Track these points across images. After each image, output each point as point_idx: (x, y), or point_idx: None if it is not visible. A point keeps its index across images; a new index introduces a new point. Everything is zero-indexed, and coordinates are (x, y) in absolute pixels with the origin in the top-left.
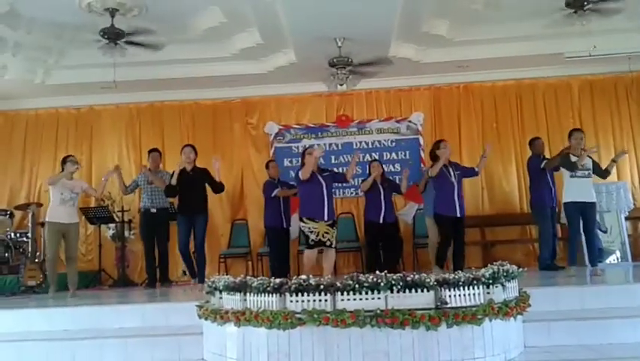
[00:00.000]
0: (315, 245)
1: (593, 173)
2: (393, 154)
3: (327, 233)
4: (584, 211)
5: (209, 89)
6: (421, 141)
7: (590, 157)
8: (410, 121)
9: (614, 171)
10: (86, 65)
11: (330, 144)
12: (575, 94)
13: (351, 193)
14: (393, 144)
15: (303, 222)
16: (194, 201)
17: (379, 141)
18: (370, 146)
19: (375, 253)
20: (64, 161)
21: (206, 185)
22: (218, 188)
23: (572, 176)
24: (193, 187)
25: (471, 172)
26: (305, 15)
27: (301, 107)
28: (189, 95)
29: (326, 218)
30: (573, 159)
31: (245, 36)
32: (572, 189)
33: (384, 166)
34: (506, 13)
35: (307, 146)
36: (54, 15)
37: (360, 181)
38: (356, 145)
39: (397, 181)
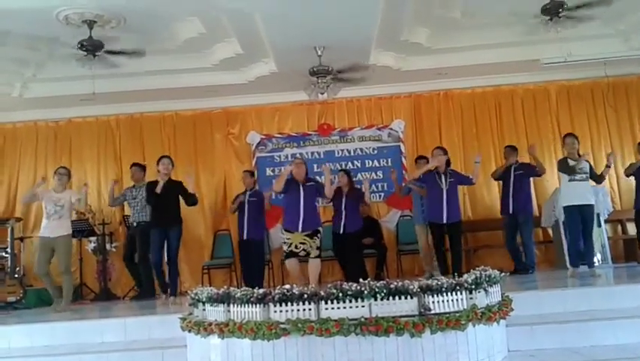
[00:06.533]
0: (287, 256)
1: (590, 177)
2: (375, 162)
3: (302, 243)
4: (583, 214)
5: (190, 99)
6: (403, 148)
7: (588, 161)
8: (391, 128)
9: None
10: (65, 78)
11: (312, 153)
12: (552, 100)
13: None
14: (375, 151)
15: (282, 232)
16: (168, 213)
17: (361, 149)
18: (352, 154)
19: (342, 263)
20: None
21: (180, 197)
22: (191, 200)
23: (570, 180)
24: (168, 199)
25: (465, 180)
26: (284, 25)
27: (283, 117)
28: (169, 106)
29: (300, 229)
30: (571, 163)
31: (225, 46)
32: (571, 192)
33: (366, 174)
34: (483, 20)
35: (296, 156)
36: (31, 27)
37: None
38: (338, 153)
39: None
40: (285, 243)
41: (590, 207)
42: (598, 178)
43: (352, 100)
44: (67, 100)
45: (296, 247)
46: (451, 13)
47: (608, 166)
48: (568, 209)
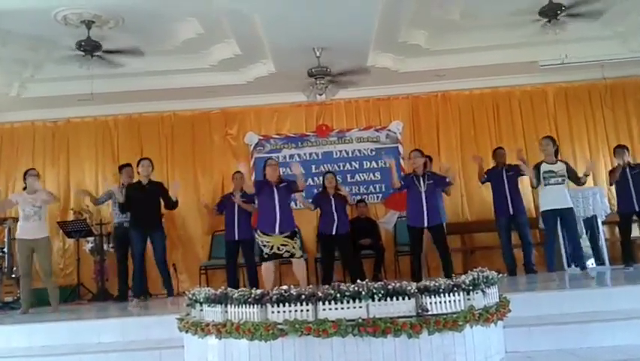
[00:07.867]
0: (270, 258)
1: (569, 179)
2: (374, 163)
3: (284, 245)
4: (563, 218)
5: (188, 100)
6: (401, 150)
7: (566, 163)
8: (389, 130)
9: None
10: (63, 78)
11: (311, 154)
12: (550, 101)
13: (298, 205)
14: (373, 152)
15: (258, 235)
16: (148, 216)
17: (359, 150)
18: (350, 155)
19: (329, 266)
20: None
21: (161, 200)
22: (171, 205)
23: (545, 184)
24: (148, 202)
25: (442, 181)
26: (283, 26)
27: (281, 118)
28: (168, 107)
29: (277, 231)
30: (544, 167)
31: (223, 47)
32: (547, 196)
33: (364, 175)
34: (482, 22)
35: (270, 158)
36: (30, 28)
37: (314, 192)
38: (336, 154)
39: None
40: (264, 246)
41: (570, 210)
42: (577, 181)
43: (350, 101)
44: (65, 100)
45: (278, 248)
46: (450, 15)
47: (586, 175)
48: (544, 213)
